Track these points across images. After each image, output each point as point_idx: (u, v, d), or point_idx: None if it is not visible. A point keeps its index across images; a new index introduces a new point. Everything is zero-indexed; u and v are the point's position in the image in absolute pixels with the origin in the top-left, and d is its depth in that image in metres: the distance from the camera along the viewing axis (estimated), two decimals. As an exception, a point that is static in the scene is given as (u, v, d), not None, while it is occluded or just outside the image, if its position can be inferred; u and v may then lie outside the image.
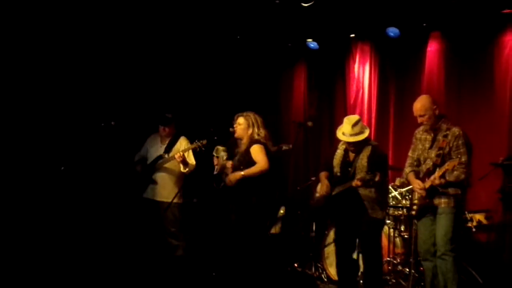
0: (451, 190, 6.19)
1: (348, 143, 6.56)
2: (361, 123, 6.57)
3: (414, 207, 6.47)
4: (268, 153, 6.98)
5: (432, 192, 6.23)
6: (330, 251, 7.59)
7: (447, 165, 6.04)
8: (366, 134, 6.50)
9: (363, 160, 6.46)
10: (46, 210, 8.04)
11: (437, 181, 6.11)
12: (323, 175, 6.82)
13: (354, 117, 6.66)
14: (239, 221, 7.01)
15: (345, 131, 6.51)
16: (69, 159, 7.85)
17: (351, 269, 6.72)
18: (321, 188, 6.72)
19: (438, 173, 6.11)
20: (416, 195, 6.47)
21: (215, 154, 7.46)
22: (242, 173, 6.92)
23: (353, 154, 6.58)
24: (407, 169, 6.60)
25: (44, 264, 7.47)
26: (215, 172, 7.42)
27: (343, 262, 6.69)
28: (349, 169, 6.53)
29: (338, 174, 6.64)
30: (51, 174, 7.89)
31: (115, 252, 7.96)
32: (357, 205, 6.47)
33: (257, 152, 6.94)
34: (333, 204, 6.67)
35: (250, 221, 6.94)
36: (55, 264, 7.50)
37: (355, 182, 6.31)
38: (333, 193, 6.60)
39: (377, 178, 6.19)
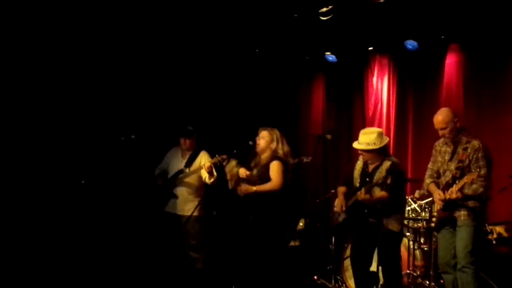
0: (470, 203, 6.18)
1: (361, 152, 6.65)
2: (378, 135, 6.56)
3: (434, 219, 6.47)
4: (286, 172, 7.01)
5: (451, 204, 6.21)
6: (349, 264, 7.56)
7: (466, 178, 6.03)
8: (376, 146, 6.50)
9: (381, 173, 6.48)
10: (68, 223, 8.10)
11: (454, 195, 6.10)
12: (340, 190, 6.86)
13: (371, 128, 6.80)
14: (258, 233, 7.03)
15: (360, 140, 6.62)
16: (90, 173, 7.92)
17: (368, 281, 6.73)
18: (336, 205, 6.82)
19: (456, 187, 6.10)
20: (436, 207, 6.46)
21: (226, 170, 7.44)
22: (255, 188, 7.00)
23: (372, 166, 6.61)
24: (427, 180, 6.59)
25: (64, 275, 7.52)
26: (230, 187, 7.42)
27: (360, 275, 6.72)
28: (367, 179, 6.58)
29: (357, 185, 6.68)
30: (72, 188, 7.95)
31: (136, 265, 8.01)
32: (372, 216, 6.51)
33: (275, 170, 6.97)
34: (350, 216, 6.70)
35: (270, 234, 6.96)
36: (75, 276, 7.55)
37: (361, 193, 6.40)
38: (349, 204, 6.65)
39: (388, 181, 6.27)
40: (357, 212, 6.59)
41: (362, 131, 6.68)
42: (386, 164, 6.52)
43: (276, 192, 6.96)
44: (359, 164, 6.76)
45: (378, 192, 6.42)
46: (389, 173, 6.40)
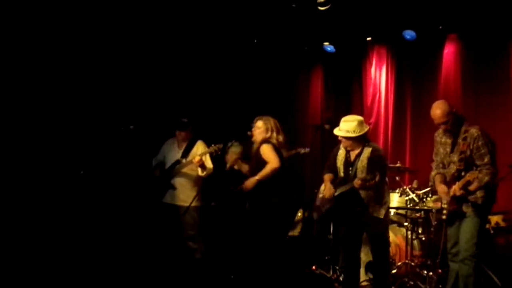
0: (477, 194, 6.06)
1: (342, 141, 6.71)
2: (358, 123, 6.63)
3: (444, 211, 6.35)
4: (278, 152, 6.98)
5: (459, 198, 6.13)
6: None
7: (468, 176, 5.94)
8: (357, 134, 6.59)
9: (363, 161, 6.58)
10: (66, 213, 8.10)
11: (458, 193, 6.03)
12: (327, 177, 6.91)
13: (352, 116, 6.80)
14: (256, 223, 7.03)
15: (340, 127, 6.68)
16: (88, 163, 7.92)
17: (357, 263, 6.89)
18: (325, 191, 6.86)
19: (458, 185, 6.02)
20: (444, 201, 6.40)
21: (229, 150, 7.34)
22: (257, 177, 6.91)
23: (354, 155, 6.70)
24: (433, 172, 6.50)
25: (62, 266, 7.53)
26: (227, 167, 7.36)
27: (350, 257, 6.88)
28: (350, 169, 6.68)
29: (342, 174, 6.79)
30: (70, 178, 7.95)
31: (135, 256, 8.02)
32: (358, 205, 6.61)
33: (266, 151, 6.92)
34: (337, 205, 6.77)
35: (267, 223, 6.96)
36: (73, 267, 7.56)
37: (357, 182, 6.45)
38: (336, 194, 6.73)
39: (377, 178, 6.34)
40: (344, 202, 6.68)
41: (343, 119, 6.72)
42: (367, 151, 6.61)
43: (274, 179, 6.92)
44: (341, 154, 6.83)
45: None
46: (370, 162, 6.52)
